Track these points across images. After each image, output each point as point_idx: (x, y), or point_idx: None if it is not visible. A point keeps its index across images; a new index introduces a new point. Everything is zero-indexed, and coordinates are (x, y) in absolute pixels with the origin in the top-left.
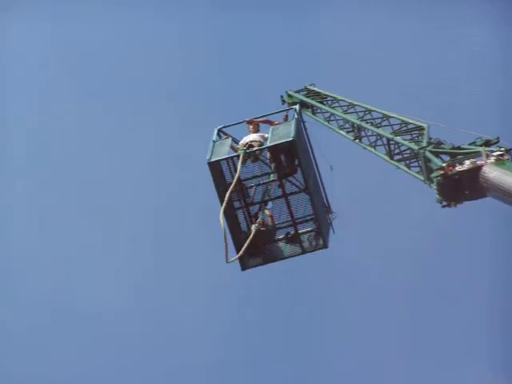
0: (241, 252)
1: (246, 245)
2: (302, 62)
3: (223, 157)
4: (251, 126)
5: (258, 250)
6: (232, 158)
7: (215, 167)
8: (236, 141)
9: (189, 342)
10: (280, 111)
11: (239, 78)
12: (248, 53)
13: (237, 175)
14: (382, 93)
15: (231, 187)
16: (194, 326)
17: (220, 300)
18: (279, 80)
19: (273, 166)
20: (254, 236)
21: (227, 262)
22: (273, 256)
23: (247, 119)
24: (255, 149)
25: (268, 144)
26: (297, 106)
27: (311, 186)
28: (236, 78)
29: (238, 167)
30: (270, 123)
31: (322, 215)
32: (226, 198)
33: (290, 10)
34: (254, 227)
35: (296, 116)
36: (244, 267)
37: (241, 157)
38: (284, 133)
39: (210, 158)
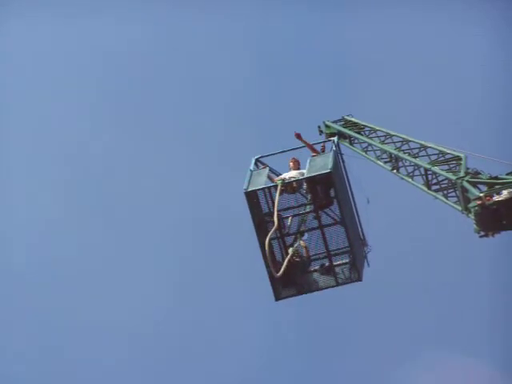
0: (284, 266)
1: (286, 261)
2: (340, 92)
3: (260, 186)
4: (291, 163)
5: (291, 280)
6: (269, 188)
7: (252, 197)
8: (273, 171)
9: (219, 369)
10: (319, 142)
11: (277, 108)
12: (286, 82)
13: (276, 204)
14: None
15: (275, 215)
16: (226, 353)
17: (253, 329)
18: (316, 110)
19: (309, 197)
20: (289, 267)
21: (276, 276)
22: (307, 287)
23: (298, 132)
24: (292, 180)
25: (305, 175)
26: (335, 138)
27: (347, 218)
28: (273, 107)
29: (276, 197)
30: (314, 150)
31: (357, 248)
32: (275, 224)
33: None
34: (291, 249)
35: (334, 148)
36: (278, 297)
37: (279, 187)
38: (321, 164)
39: (247, 188)
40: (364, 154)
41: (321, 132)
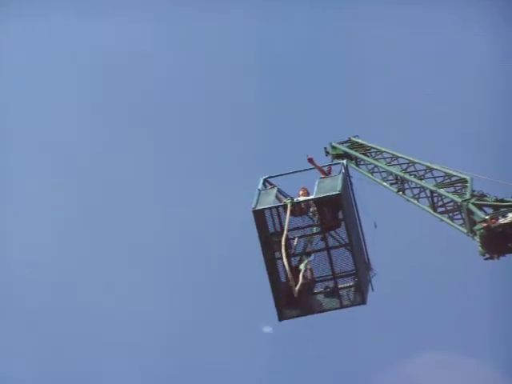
0: (300, 282)
1: (300, 276)
2: (346, 113)
3: (268, 206)
4: (301, 192)
5: (295, 301)
6: (277, 207)
7: (259, 216)
8: (281, 192)
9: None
10: (329, 165)
11: (283, 129)
12: (292, 103)
13: (286, 223)
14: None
15: (285, 234)
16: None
17: (256, 348)
18: (323, 131)
19: (317, 218)
20: (291, 288)
21: (295, 294)
22: (311, 308)
23: (310, 157)
24: (301, 199)
25: (313, 196)
26: (344, 161)
27: (354, 241)
28: (280, 128)
29: (287, 217)
30: (324, 173)
31: (362, 271)
32: (283, 242)
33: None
34: (302, 265)
35: (343, 170)
36: (281, 318)
37: (289, 206)
38: (330, 186)
39: (256, 206)
40: (370, 175)
41: (327, 153)
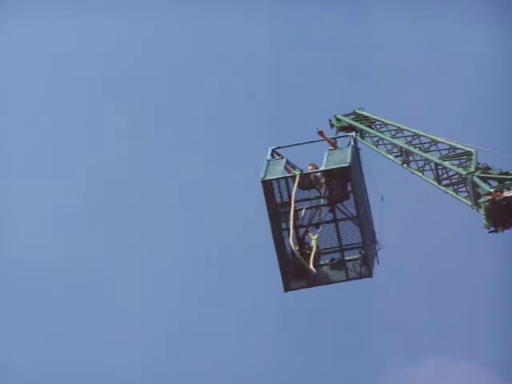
0: (312, 259)
1: (312, 255)
2: (351, 86)
3: (277, 176)
4: (310, 167)
5: (302, 272)
6: (286, 178)
7: (268, 186)
8: (289, 163)
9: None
10: (339, 137)
11: (288, 102)
12: (297, 76)
13: (293, 194)
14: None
15: (292, 205)
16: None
17: (262, 319)
18: (328, 103)
19: (323, 190)
20: (299, 259)
21: (312, 271)
22: (316, 280)
23: (320, 130)
24: (310, 171)
25: (323, 168)
26: (353, 133)
27: (362, 214)
28: (285, 101)
29: (294, 188)
30: (334, 145)
31: (368, 244)
32: (291, 228)
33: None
34: (314, 241)
35: (352, 143)
36: (287, 289)
37: (297, 178)
38: (340, 158)
39: (265, 177)
40: (375, 147)
41: (332, 125)
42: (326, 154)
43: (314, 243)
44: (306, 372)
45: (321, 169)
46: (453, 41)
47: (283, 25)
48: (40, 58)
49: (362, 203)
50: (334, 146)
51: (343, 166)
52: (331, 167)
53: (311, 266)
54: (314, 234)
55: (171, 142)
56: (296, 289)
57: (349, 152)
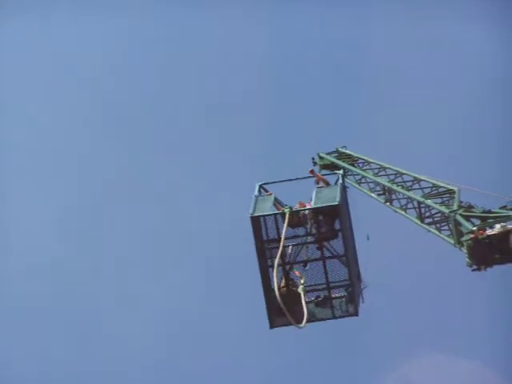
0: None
1: (304, 304)
2: (333, 124)
3: (267, 212)
4: (298, 206)
5: (287, 309)
6: (275, 215)
7: (257, 222)
8: (277, 200)
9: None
10: (326, 174)
11: (271, 139)
12: (280, 113)
13: (283, 232)
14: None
15: (281, 245)
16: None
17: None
18: (310, 141)
19: (310, 228)
20: (285, 296)
21: (300, 327)
22: (302, 317)
23: (311, 169)
24: (300, 209)
25: (312, 205)
26: (341, 171)
27: (350, 253)
28: (269, 138)
29: (285, 225)
30: (326, 182)
31: (355, 283)
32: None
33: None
34: (301, 288)
35: (341, 181)
36: (273, 325)
37: (287, 215)
38: (329, 196)
39: (254, 213)
40: (357, 186)
41: (315, 163)
42: (314, 192)
43: (300, 290)
44: (304, 369)
45: (311, 206)
46: (453, 41)
47: (280, 24)
48: (40, 57)
49: (350, 242)
50: (327, 183)
51: (333, 204)
52: (321, 205)
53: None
54: (300, 274)
55: (171, 143)
56: (281, 325)
57: (338, 190)
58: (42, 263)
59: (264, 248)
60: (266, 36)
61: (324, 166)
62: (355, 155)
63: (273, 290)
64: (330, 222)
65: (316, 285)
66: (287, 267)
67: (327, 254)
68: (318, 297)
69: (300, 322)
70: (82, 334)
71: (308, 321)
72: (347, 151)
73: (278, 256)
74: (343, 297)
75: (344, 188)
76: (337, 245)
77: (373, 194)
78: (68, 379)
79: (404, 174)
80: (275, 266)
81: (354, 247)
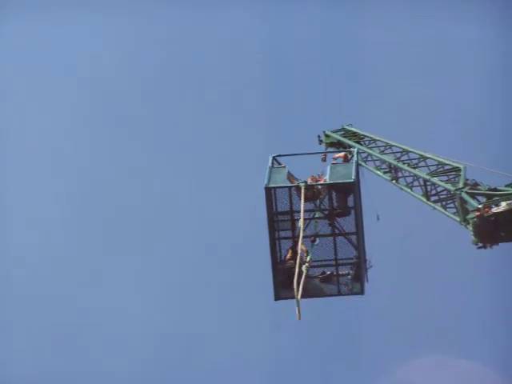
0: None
1: (301, 286)
2: (340, 101)
3: (282, 185)
4: (310, 179)
5: (292, 283)
6: (290, 188)
7: (271, 193)
8: (290, 173)
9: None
10: (339, 151)
11: (277, 116)
12: (286, 91)
13: (302, 208)
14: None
15: (301, 220)
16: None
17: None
18: (316, 119)
19: (321, 202)
20: (290, 269)
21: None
22: (308, 292)
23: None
24: (315, 183)
25: (328, 181)
26: (356, 149)
27: (361, 230)
28: (274, 116)
29: (302, 200)
30: (346, 158)
31: (363, 262)
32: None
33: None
34: (305, 267)
35: (355, 158)
36: (277, 297)
37: (302, 190)
38: (344, 173)
39: (269, 184)
40: (363, 163)
41: (320, 141)
42: (329, 168)
43: (304, 268)
44: (303, 371)
45: (326, 181)
46: (452, 41)
47: (280, 25)
48: (40, 57)
49: (361, 219)
50: (346, 158)
51: (349, 181)
52: (337, 181)
53: (299, 295)
54: (307, 249)
55: (170, 143)
56: (286, 298)
57: (353, 167)
58: (42, 263)
59: (276, 220)
60: (266, 37)
61: (330, 144)
62: (361, 133)
63: (280, 263)
64: (344, 199)
65: (323, 260)
66: (295, 240)
67: (337, 230)
68: (324, 272)
69: (304, 296)
70: (83, 334)
71: (314, 295)
72: (353, 129)
73: (302, 227)
74: (348, 274)
75: (358, 166)
76: (346, 222)
77: (379, 172)
78: (65, 379)
79: (410, 151)
80: (300, 238)
81: (362, 226)
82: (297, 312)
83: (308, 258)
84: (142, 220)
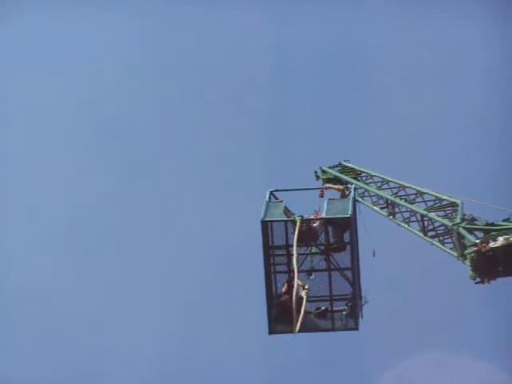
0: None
1: (302, 311)
2: (336, 138)
3: (278, 219)
4: (314, 216)
5: (287, 317)
6: (285, 222)
7: (267, 227)
8: (287, 208)
9: None
10: (336, 187)
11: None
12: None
13: (295, 241)
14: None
15: (295, 254)
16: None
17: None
18: (313, 155)
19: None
20: (285, 303)
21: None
22: (303, 326)
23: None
24: (311, 218)
25: (324, 215)
26: (353, 185)
27: (356, 266)
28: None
29: (295, 233)
30: (343, 193)
31: (358, 297)
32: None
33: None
34: (304, 293)
35: (352, 194)
36: (271, 332)
37: (298, 223)
38: (341, 208)
39: (265, 217)
40: (360, 199)
41: (317, 177)
42: (325, 203)
43: (303, 294)
44: (303, 372)
45: (322, 216)
46: (452, 41)
47: (280, 25)
48: (40, 57)
49: (356, 255)
50: (344, 194)
51: (345, 216)
52: (333, 216)
53: (296, 327)
54: (303, 282)
55: (170, 144)
56: (281, 333)
57: (350, 203)
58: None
59: (272, 254)
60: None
61: (327, 180)
62: (358, 169)
63: (275, 296)
64: (340, 234)
65: (318, 296)
66: (291, 274)
67: (332, 266)
68: (318, 308)
69: (301, 331)
70: (83, 334)
71: (308, 330)
72: (350, 165)
73: (295, 262)
74: (343, 310)
75: (355, 201)
76: (342, 257)
77: (376, 208)
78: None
79: (407, 187)
80: (295, 271)
81: (358, 261)
82: (294, 324)
83: (306, 287)
84: (140, 227)
